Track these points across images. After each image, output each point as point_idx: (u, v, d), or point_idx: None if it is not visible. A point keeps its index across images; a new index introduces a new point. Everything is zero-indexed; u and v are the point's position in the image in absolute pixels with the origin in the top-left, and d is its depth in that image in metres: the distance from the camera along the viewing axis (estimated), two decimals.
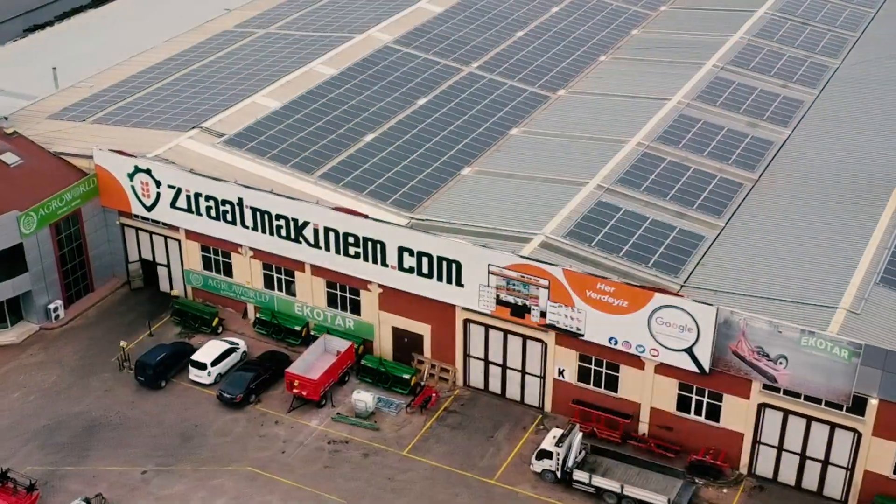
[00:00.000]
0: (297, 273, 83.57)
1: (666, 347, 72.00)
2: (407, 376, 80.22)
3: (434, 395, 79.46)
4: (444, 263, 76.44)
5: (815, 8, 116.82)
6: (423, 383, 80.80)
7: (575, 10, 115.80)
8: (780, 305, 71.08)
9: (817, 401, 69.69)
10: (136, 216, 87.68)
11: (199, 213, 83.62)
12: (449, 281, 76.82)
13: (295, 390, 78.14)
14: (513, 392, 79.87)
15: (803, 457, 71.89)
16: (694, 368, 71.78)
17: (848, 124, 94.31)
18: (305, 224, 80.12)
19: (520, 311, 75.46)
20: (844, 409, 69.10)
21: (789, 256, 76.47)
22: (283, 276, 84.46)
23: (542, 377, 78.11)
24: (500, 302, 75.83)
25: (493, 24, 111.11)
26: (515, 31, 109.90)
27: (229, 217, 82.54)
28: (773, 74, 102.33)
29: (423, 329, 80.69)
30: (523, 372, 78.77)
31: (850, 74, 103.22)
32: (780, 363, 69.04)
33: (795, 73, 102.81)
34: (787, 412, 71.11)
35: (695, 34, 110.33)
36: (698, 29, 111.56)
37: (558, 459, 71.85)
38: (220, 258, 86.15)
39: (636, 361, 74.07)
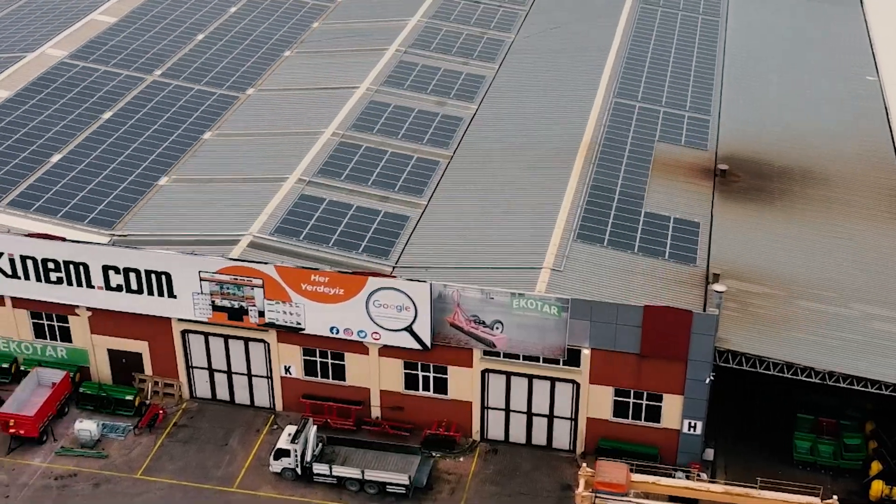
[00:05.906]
0: None
1: (386, 329, 73.06)
2: (129, 397, 77.77)
3: (161, 412, 77.42)
4: (154, 277, 74.48)
5: None
6: (147, 402, 78.56)
7: (253, 8, 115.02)
8: (488, 273, 73.57)
9: (535, 359, 72.66)
10: None
11: None
12: (161, 294, 74.94)
13: (11, 430, 74.19)
14: (242, 397, 78.94)
15: (530, 414, 74.86)
16: (416, 346, 73.22)
17: (528, 93, 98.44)
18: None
19: (237, 314, 74.57)
20: (561, 362, 72.42)
21: (491, 225, 79.20)
22: None
23: (269, 377, 77.60)
24: (216, 308, 74.67)
25: (172, 30, 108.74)
26: (195, 35, 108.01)
27: None
28: (455, 53, 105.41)
29: (140, 347, 78.36)
30: (249, 375, 77.95)
31: (525, 46, 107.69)
32: (497, 328, 71.49)
33: (475, 50, 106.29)
34: (509, 374, 73.75)
35: (374, 21, 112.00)
36: (376, 16, 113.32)
37: (296, 456, 71.65)
38: None
39: (360, 347, 74.78)
